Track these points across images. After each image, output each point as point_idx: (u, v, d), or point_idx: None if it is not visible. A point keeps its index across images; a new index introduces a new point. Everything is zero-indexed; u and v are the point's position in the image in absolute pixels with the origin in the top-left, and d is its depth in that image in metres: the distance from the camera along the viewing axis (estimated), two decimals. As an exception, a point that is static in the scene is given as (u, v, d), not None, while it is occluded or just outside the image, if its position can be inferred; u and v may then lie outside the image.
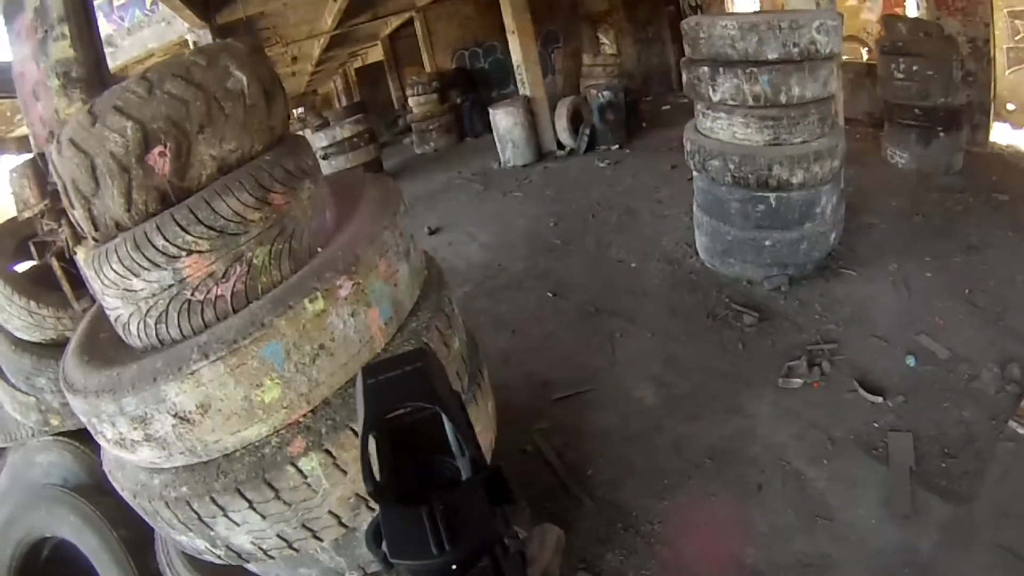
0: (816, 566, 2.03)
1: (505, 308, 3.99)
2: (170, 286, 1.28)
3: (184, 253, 1.24)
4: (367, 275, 1.30)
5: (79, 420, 1.38)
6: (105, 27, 4.50)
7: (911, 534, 2.08)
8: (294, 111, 14.45)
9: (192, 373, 1.17)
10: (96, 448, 1.47)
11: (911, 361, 2.83)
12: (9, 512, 2.23)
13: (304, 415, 1.26)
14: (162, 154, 1.23)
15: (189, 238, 1.24)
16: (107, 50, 4.43)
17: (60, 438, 2.24)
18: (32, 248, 2.18)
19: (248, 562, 1.39)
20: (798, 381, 2.82)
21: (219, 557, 1.38)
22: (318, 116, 8.98)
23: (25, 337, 2.15)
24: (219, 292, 1.27)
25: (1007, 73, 5.03)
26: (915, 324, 3.06)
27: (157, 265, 1.26)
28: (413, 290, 1.50)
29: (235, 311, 1.28)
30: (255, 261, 1.28)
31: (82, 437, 2.09)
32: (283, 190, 1.31)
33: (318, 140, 7.98)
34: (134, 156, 1.22)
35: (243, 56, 1.33)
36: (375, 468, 0.52)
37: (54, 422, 2.21)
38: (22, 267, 2.24)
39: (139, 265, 1.27)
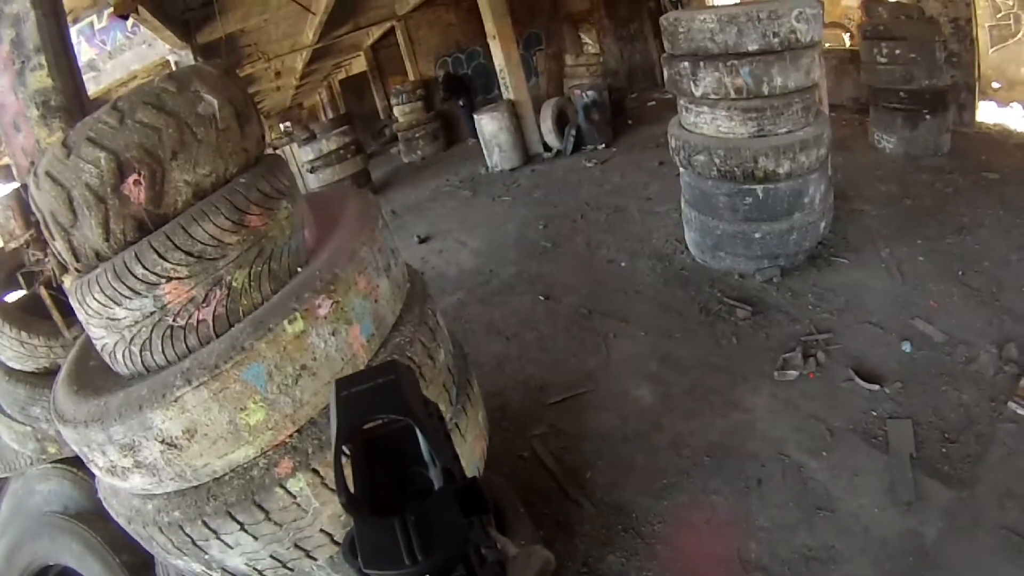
0: (820, 558, 2.03)
1: (498, 314, 3.98)
2: (152, 313, 1.28)
3: (163, 280, 1.24)
4: (346, 293, 1.30)
5: (76, 447, 1.38)
6: (87, 51, 4.50)
7: (915, 521, 2.07)
8: (281, 126, 14.45)
9: (176, 399, 1.18)
10: (94, 474, 1.47)
11: (907, 347, 2.83)
12: (12, 541, 2.23)
13: (290, 436, 1.26)
14: (137, 183, 1.23)
15: (168, 265, 1.24)
16: (90, 74, 4.48)
17: (59, 466, 2.24)
18: (20, 278, 2.19)
19: (245, 584, 1.39)
20: (794, 373, 2.81)
21: (216, 580, 1.38)
22: (305, 129, 8.95)
23: (18, 367, 2.15)
24: (200, 317, 1.27)
25: (991, 51, 5.04)
26: (909, 309, 3.06)
27: (138, 293, 1.26)
28: (395, 304, 1.50)
29: (217, 335, 1.28)
30: (235, 284, 1.28)
31: (80, 464, 2.09)
32: (259, 211, 1.31)
33: (304, 154, 7.97)
34: (109, 186, 1.23)
35: (214, 80, 1.33)
36: (349, 481, 0.52)
37: (52, 450, 2.21)
38: (11, 297, 2.25)
39: (120, 294, 1.27)
